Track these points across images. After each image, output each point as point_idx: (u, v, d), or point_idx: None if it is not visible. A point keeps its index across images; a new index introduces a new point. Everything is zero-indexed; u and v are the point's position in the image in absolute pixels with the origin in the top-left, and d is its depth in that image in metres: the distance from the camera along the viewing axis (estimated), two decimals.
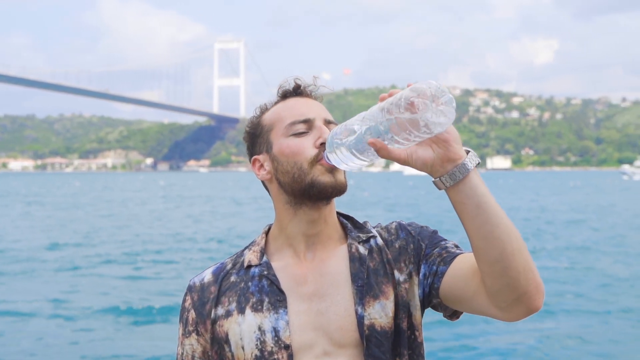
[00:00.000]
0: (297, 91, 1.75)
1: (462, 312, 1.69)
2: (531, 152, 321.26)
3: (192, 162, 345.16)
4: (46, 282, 16.66)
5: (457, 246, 1.69)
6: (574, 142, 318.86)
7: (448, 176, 1.43)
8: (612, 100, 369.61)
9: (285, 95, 1.76)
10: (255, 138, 1.76)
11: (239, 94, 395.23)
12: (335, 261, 1.70)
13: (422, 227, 1.75)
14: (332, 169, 1.63)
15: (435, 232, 1.74)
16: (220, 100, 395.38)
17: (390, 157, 1.42)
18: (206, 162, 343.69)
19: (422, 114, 1.33)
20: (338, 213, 1.78)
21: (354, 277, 1.65)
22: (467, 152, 1.46)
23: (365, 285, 1.64)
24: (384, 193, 67.19)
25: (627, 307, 13.22)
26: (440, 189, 1.46)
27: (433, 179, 1.47)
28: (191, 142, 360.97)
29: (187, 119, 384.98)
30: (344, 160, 1.52)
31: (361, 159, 1.49)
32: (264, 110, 1.77)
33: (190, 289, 1.77)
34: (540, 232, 27.59)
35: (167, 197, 65.18)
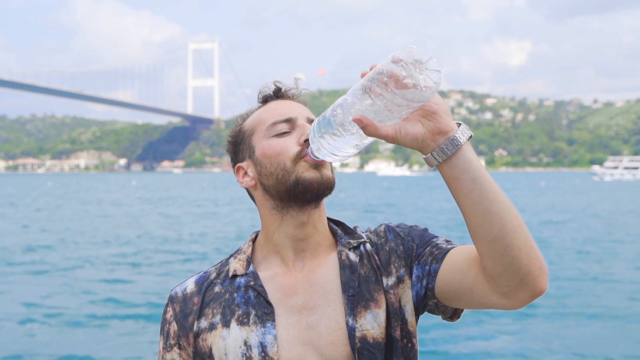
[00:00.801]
0: (278, 94, 1.70)
1: (462, 311, 1.63)
2: (504, 153, 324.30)
3: (166, 163, 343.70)
4: (20, 285, 16.41)
5: (448, 241, 1.62)
6: (546, 143, 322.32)
7: (440, 150, 1.36)
8: (584, 102, 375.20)
9: (266, 99, 1.71)
10: (238, 145, 1.70)
11: (213, 95, 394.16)
12: (326, 270, 1.62)
13: (411, 227, 1.68)
14: (318, 165, 1.56)
15: (425, 230, 1.67)
16: (194, 100, 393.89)
17: (377, 135, 1.34)
18: (180, 162, 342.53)
19: (406, 83, 1.26)
20: (328, 219, 1.71)
21: (345, 287, 1.58)
22: (459, 125, 1.39)
23: (356, 294, 1.57)
24: (360, 194, 67.22)
25: (606, 307, 13.31)
26: (432, 165, 1.39)
27: (424, 156, 1.39)
28: (165, 143, 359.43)
29: (160, 120, 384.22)
30: (330, 150, 1.43)
31: (348, 145, 1.41)
32: (245, 117, 1.72)
33: (171, 300, 1.68)
34: None
35: (143, 198, 64.66)
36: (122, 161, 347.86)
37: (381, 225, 1.71)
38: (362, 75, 1.36)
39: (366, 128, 1.33)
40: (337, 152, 1.43)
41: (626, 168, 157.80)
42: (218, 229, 31.36)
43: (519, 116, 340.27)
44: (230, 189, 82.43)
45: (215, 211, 44.54)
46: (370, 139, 1.40)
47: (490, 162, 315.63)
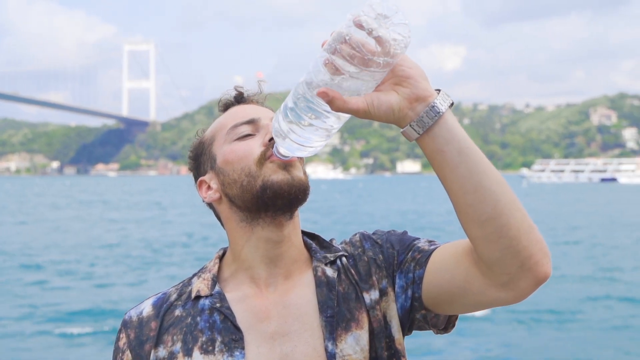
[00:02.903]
0: (239, 100, 1.56)
1: (456, 319, 1.47)
2: None
3: (100, 166, 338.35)
4: None
5: (431, 242, 1.47)
6: (480, 146, 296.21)
7: (420, 120, 1.21)
8: (517, 106, 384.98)
9: (227, 107, 1.56)
10: (198, 158, 1.54)
11: (148, 97, 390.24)
12: (301, 289, 1.45)
13: (388, 232, 1.53)
14: (287, 165, 1.40)
15: (404, 233, 1.52)
16: (130, 102, 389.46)
17: (346, 109, 1.18)
18: (115, 165, 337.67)
19: (370, 45, 1.13)
20: (303, 232, 1.54)
21: (322, 306, 1.41)
22: (438, 91, 1.24)
23: (336, 315, 1.40)
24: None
25: (558, 310, 13.52)
26: (411, 139, 1.24)
27: (402, 129, 1.23)
28: (99, 146, 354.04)
29: (95, 122, 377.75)
30: (300, 142, 1.25)
31: (315, 134, 1.24)
32: (205, 129, 1.57)
33: (125, 325, 1.48)
34: None
35: (81, 201, 63.30)
36: (55, 164, 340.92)
37: (356, 234, 1.56)
38: (323, 45, 1.19)
39: (333, 102, 1.17)
40: (306, 143, 1.26)
41: (553, 171, 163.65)
42: (163, 232, 30.86)
43: None
44: (172, 191, 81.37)
45: (159, 215, 43.92)
46: (340, 121, 1.25)
47: (427, 166, 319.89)
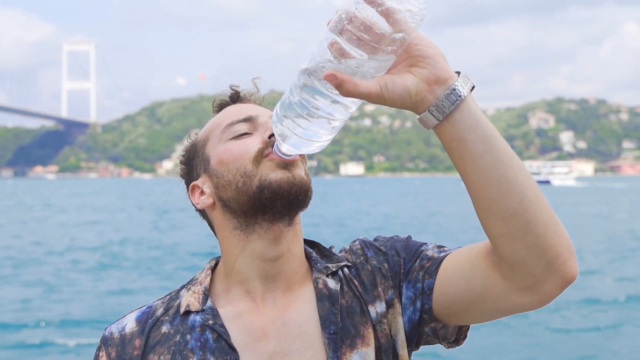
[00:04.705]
0: (235, 99, 1.45)
1: (467, 329, 1.37)
2: (383, 158, 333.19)
3: (38, 168, 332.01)
4: None
5: (440, 247, 1.36)
6: (422, 149, 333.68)
7: (440, 103, 1.10)
8: None
9: (221, 107, 1.45)
10: (190, 162, 1.42)
11: (89, 98, 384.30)
12: (302, 304, 1.33)
13: (391, 238, 1.42)
14: (287, 164, 1.28)
15: (408, 239, 1.41)
16: (69, 104, 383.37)
17: (357, 93, 1.05)
18: (54, 168, 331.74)
19: (379, 24, 1.01)
20: (304, 241, 1.42)
21: (325, 322, 1.29)
22: (457, 73, 1.13)
23: (339, 331, 1.29)
24: None
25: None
26: (429, 127, 1.13)
27: (418, 115, 1.12)
28: (38, 147, 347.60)
29: (33, 123, 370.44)
30: (307, 136, 1.13)
31: (321, 126, 1.11)
32: (197, 132, 1.46)
33: (105, 342, 1.35)
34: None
35: (23, 204, 61.88)
36: None
37: (355, 241, 1.44)
38: (328, 24, 1.06)
39: (343, 86, 1.04)
40: (314, 137, 1.14)
41: None
42: (113, 236, 30.44)
43: (397, 123, 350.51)
44: (116, 195, 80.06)
45: (103, 218, 43.28)
46: (347, 111, 1.13)
47: (370, 168, 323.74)
